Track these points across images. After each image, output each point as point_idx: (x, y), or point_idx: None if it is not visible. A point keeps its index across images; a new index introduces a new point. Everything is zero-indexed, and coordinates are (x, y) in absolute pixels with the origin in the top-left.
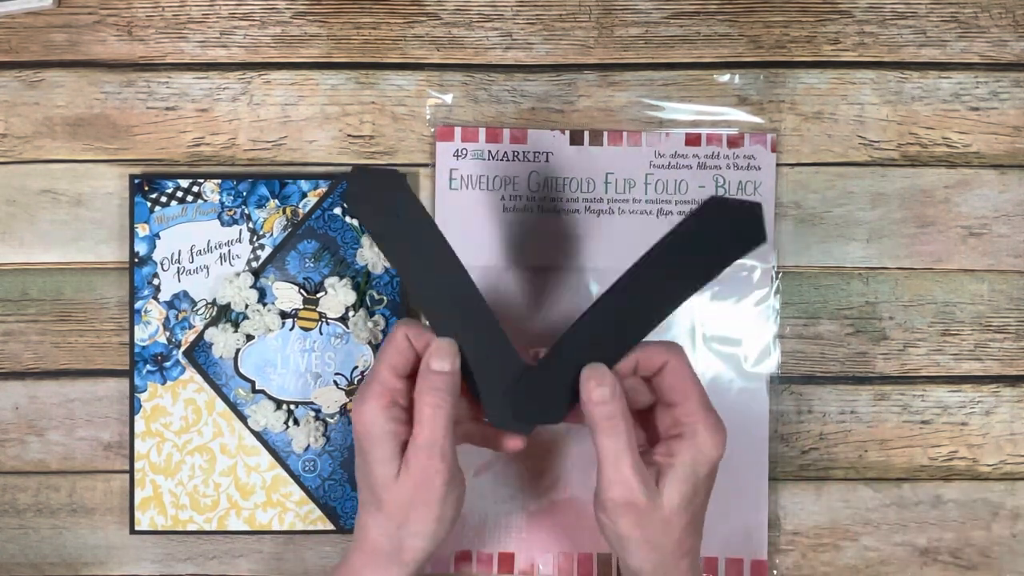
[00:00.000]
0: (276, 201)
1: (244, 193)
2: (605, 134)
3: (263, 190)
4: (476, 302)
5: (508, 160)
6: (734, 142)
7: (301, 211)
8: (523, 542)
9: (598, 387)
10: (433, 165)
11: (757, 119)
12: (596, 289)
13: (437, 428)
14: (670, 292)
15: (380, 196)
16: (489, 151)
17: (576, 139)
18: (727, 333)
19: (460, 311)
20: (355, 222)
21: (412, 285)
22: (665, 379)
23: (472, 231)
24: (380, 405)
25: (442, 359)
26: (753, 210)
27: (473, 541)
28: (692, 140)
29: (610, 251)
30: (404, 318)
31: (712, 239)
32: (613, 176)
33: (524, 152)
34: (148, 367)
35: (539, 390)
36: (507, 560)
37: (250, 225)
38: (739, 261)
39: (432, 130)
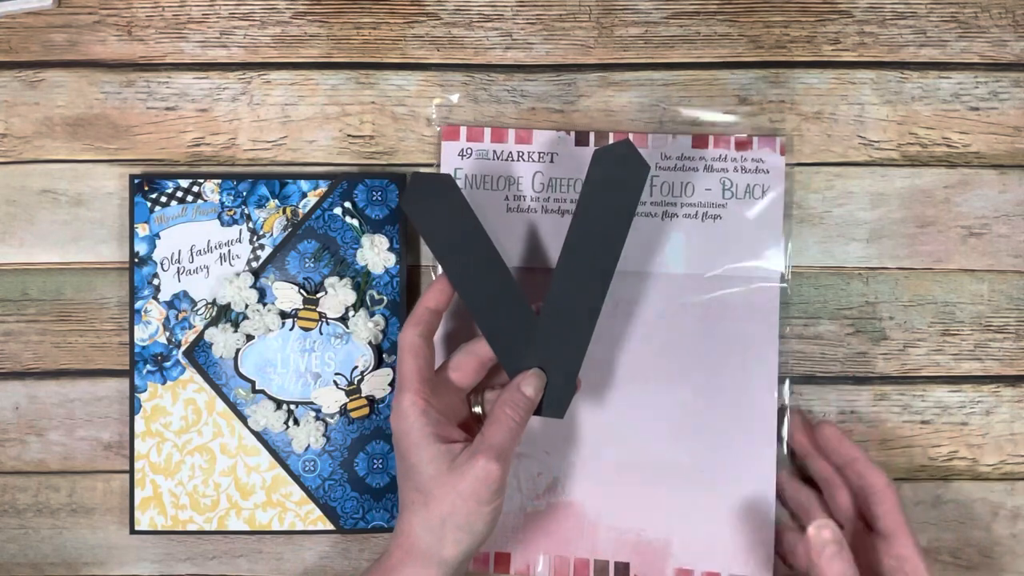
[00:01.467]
0: (276, 201)
1: (244, 193)
2: (611, 135)
3: (263, 190)
4: (516, 297)
5: (512, 160)
6: (742, 145)
7: (301, 211)
8: (519, 543)
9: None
10: (438, 165)
11: (766, 123)
12: None
13: (509, 434)
14: (608, 239)
15: (434, 199)
16: (494, 151)
17: (581, 140)
18: (738, 333)
19: (500, 305)
20: (355, 222)
21: (456, 279)
22: (880, 511)
23: None
24: (417, 410)
25: (531, 386)
26: (626, 145)
27: None
28: (699, 143)
29: None
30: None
31: (611, 184)
32: None
33: (529, 152)
34: (148, 367)
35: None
36: (503, 560)
37: (250, 225)
38: (755, 264)
39: (437, 129)
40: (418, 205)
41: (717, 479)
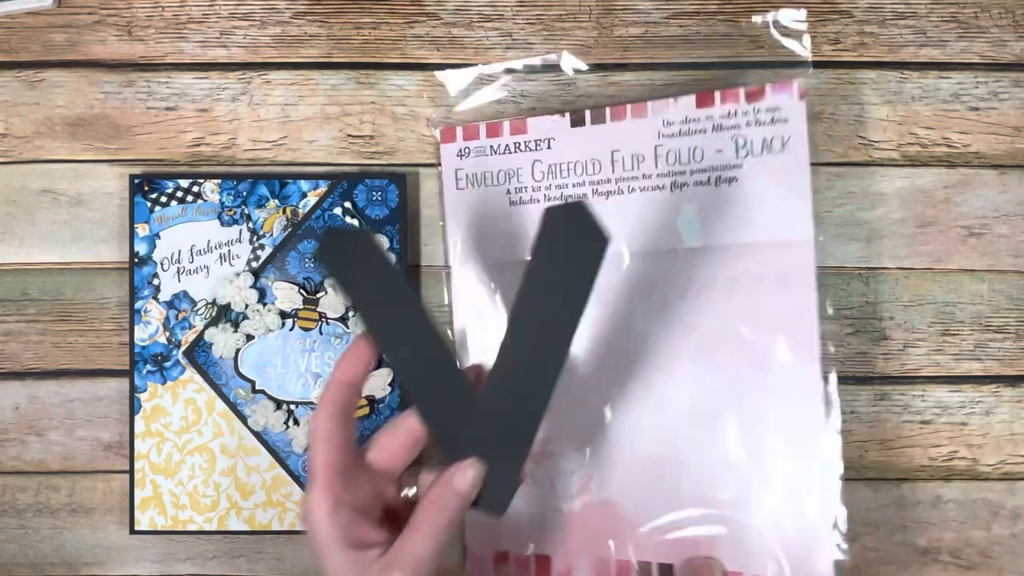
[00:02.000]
0: (276, 201)
1: (244, 193)
2: (607, 110)
3: (263, 190)
4: (452, 371)
5: (510, 152)
6: (753, 96)
7: (301, 211)
8: (559, 545)
9: None
10: (439, 168)
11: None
12: (611, 270)
13: (432, 542)
14: (562, 317)
15: (354, 255)
16: (491, 146)
17: (577, 120)
18: (772, 309)
19: (434, 379)
20: (355, 222)
21: (385, 347)
22: None
23: (483, 229)
24: (324, 510)
25: (465, 480)
26: (579, 209)
27: (510, 542)
28: (704, 101)
29: (621, 231)
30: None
31: (564, 252)
32: (619, 153)
33: (525, 142)
34: (148, 367)
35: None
36: (543, 563)
37: (250, 225)
38: (781, 227)
39: (437, 132)
40: (336, 261)
41: (762, 472)
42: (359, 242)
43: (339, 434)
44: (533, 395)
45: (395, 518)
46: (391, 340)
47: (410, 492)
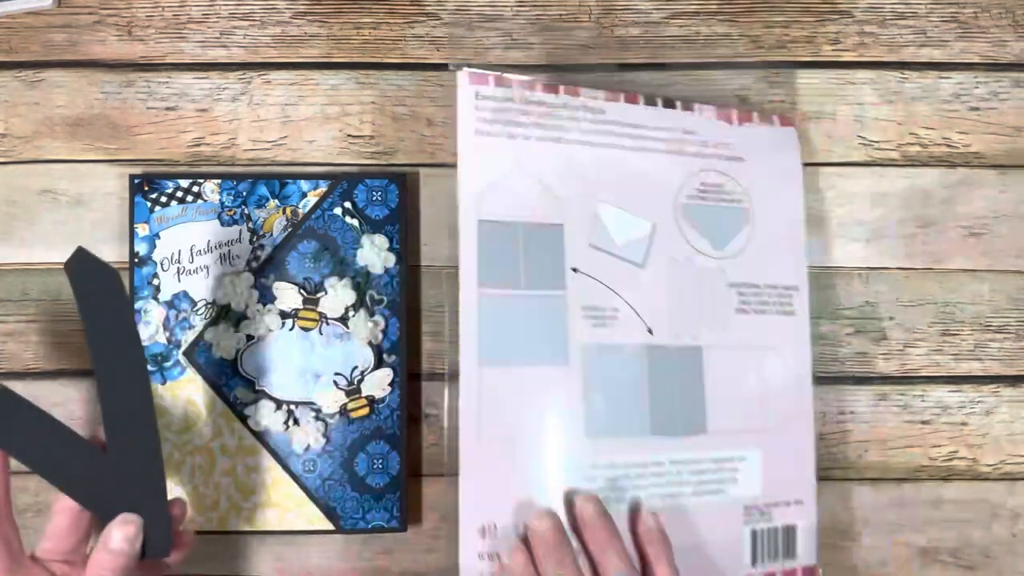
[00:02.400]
0: (276, 201)
1: (244, 193)
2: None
3: (263, 190)
4: (74, 441)
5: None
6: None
7: (301, 211)
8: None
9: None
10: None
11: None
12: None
13: None
14: (125, 351)
15: (96, 284)
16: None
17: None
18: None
19: (62, 456)
20: (355, 222)
21: (17, 454)
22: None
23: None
24: None
25: (120, 536)
26: (81, 256)
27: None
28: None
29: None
30: None
31: (95, 297)
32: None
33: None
34: (148, 367)
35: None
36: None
37: (250, 225)
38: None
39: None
40: (83, 286)
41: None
42: (103, 273)
43: (2, 540)
44: (142, 439)
45: None
46: (16, 445)
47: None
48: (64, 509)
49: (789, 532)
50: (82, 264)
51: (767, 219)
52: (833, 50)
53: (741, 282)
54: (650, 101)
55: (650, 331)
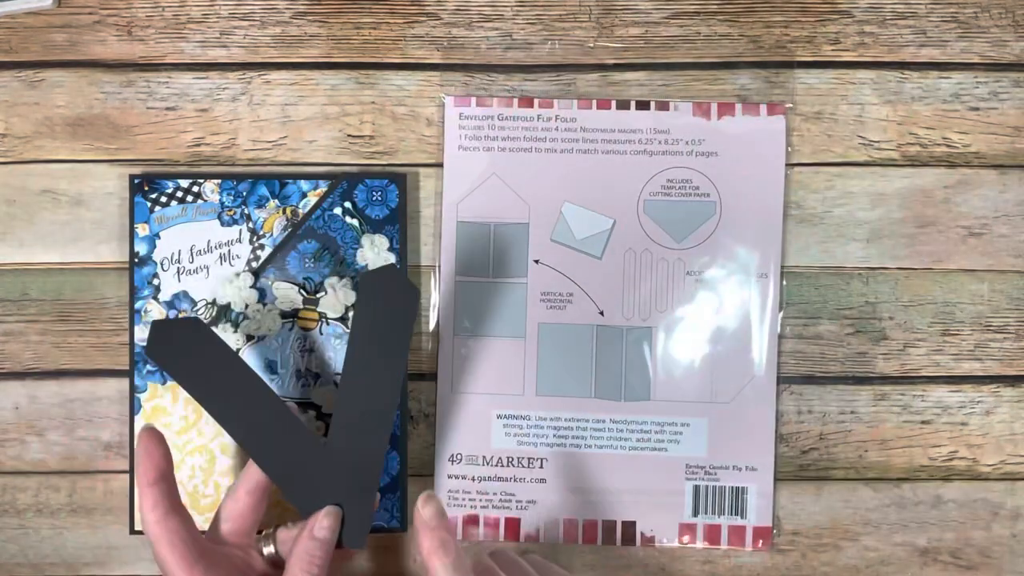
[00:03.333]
0: (276, 201)
1: (244, 193)
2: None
3: (263, 190)
4: (296, 430)
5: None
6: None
7: (301, 211)
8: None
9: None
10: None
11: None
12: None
13: None
14: (390, 370)
15: (182, 343)
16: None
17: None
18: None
19: (280, 441)
20: (355, 222)
21: (228, 424)
22: None
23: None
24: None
25: (326, 528)
26: (390, 271)
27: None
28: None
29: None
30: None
31: (382, 311)
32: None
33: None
34: (148, 367)
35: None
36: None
37: (250, 225)
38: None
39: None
40: (166, 352)
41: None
42: (188, 329)
43: (178, 531)
44: (373, 438)
45: None
46: (230, 414)
47: (269, 550)
48: (255, 489)
49: (738, 492)
50: (387, 276)
51: (738, 210)
52: (833, 50)
53: (700, 271)
54: (622, 105)
55: (601, 313)
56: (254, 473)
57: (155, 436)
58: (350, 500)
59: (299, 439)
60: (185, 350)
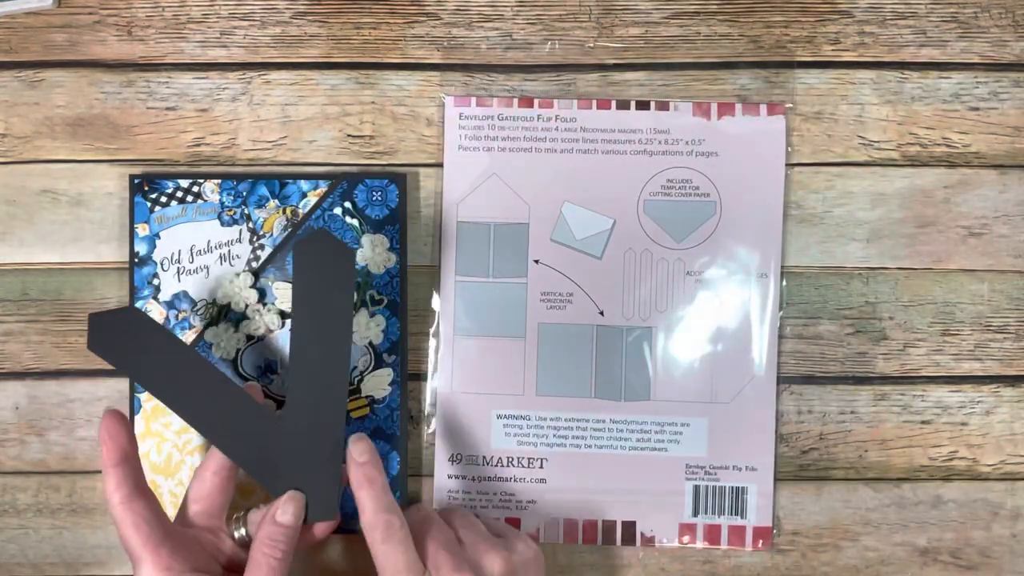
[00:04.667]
0: (276, 201)
1: (244, 193)
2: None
3: (263, 190)
4: (253, 411)
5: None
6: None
7: (301, 211)
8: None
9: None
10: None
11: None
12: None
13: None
14: (336, 335)
15: (124, 334)
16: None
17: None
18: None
19: (237, 424)
20: (355, 222)
21: (182, 411)
22: None
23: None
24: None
25: (288, 513)
26: (323, 235)
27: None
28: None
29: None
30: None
31: (321, 277)
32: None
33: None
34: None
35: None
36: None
37: (250, 225)
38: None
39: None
40: (108, 344)
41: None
42: (128, 320)
43: (142, 512)
44: (329, 410)
45: (235, 567)
46: (182, 400)
47: (240, 532)
48: (221, 469)
49: (738, 493)
50: (318, 241)
51: (738, 210)
52: (833, 50)
53: (700, 271)
54: (622, 105)
55: (601, 313)
56: (218, 453)
57: (118, 418)
58: (314, 475)
59: (255, 419)
60: (127, 341)
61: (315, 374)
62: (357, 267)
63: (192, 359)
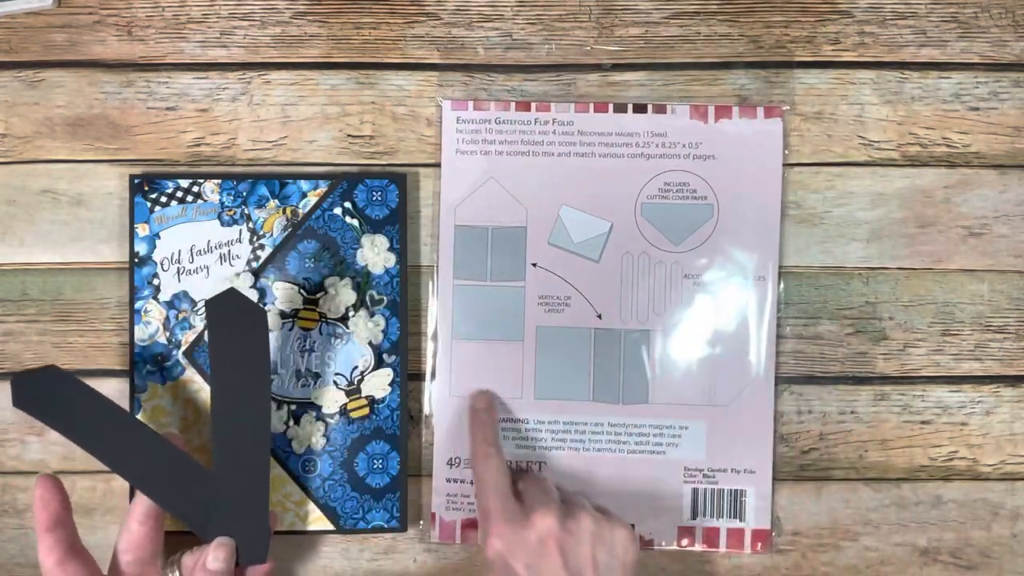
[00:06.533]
0: (276, 201)
1: (244, 193)
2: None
3: (263, 190)
4: (180, 462)
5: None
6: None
7: (301, 211)
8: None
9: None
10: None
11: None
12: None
13: None
14: (256, 391)
15: (48, 392)
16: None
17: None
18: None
19: (166, 475)
20: (355, 222)
21: (115, 465)
22: None
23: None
24: None
25: (218, 560)
26: (232, 295)
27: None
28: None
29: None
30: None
31: (234, 335)
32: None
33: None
34: (148, 367)
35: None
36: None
37: (250, 225)
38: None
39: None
40: (34, 403)
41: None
42: (50, 379)
43: (76, 572)
44: (254, 462)
45: None
46: (110, 453)
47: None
48: (147, 519)
49: (736, 495)
50: (229, 301)
51: (735, 213)
52: (833, 50)
53: (697, 274)
54: (619, 108)
55: (599, 316)
56: (143, 502)
57: (50, 484)
58: (244, 521)
59: (184, 470)
60: (51, 398)
61: (238, 427)
62: (357, 267)
63: (115, 412)
